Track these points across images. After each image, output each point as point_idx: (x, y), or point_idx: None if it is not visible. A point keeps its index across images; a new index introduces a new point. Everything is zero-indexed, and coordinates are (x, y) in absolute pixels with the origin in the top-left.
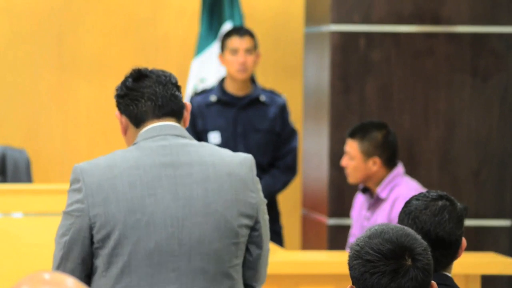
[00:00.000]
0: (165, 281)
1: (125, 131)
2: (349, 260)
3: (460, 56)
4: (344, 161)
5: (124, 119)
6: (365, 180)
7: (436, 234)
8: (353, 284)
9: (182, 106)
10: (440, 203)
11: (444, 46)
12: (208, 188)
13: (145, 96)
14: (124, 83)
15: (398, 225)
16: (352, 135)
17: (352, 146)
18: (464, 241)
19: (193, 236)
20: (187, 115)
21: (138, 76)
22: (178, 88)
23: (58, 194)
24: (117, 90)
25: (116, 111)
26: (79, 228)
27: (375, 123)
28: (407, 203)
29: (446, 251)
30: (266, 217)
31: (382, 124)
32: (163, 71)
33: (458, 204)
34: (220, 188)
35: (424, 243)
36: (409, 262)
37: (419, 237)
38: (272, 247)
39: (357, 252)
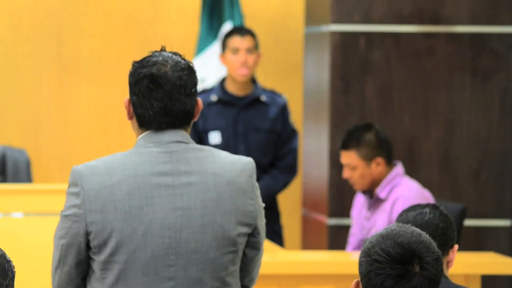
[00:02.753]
0: None
1: (130, 117)
2: (360, 255)
3: (460, 56)
4: (346, 173)
5: (132, 109)
6: (373, 184)
7: (416, 223)
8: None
9: (191, 115)
10: (425, 205)
11: (444, 46)
12: (207, 198)
13: (155, 109)
14: (139, 79)
15: (417, 229)
16: (346, 146)
17: (350, 157)
18: (456, 245)
19: (190, 246)
20: (197, 112)
21: (155, 83)
22: (194, 93)
23: (58, 194)
24: (132, 77)
25: (126, 98)
26: (75, 233)
27: (360, 126)
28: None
29: None
30: (264, 221)
31: (367, 125)
32: (179, 76)
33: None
34: (219, 198)
35: (437, 252)
36: (416, 269)
37: (434, 246)
38: (272, 247)
39: (368, 249)
